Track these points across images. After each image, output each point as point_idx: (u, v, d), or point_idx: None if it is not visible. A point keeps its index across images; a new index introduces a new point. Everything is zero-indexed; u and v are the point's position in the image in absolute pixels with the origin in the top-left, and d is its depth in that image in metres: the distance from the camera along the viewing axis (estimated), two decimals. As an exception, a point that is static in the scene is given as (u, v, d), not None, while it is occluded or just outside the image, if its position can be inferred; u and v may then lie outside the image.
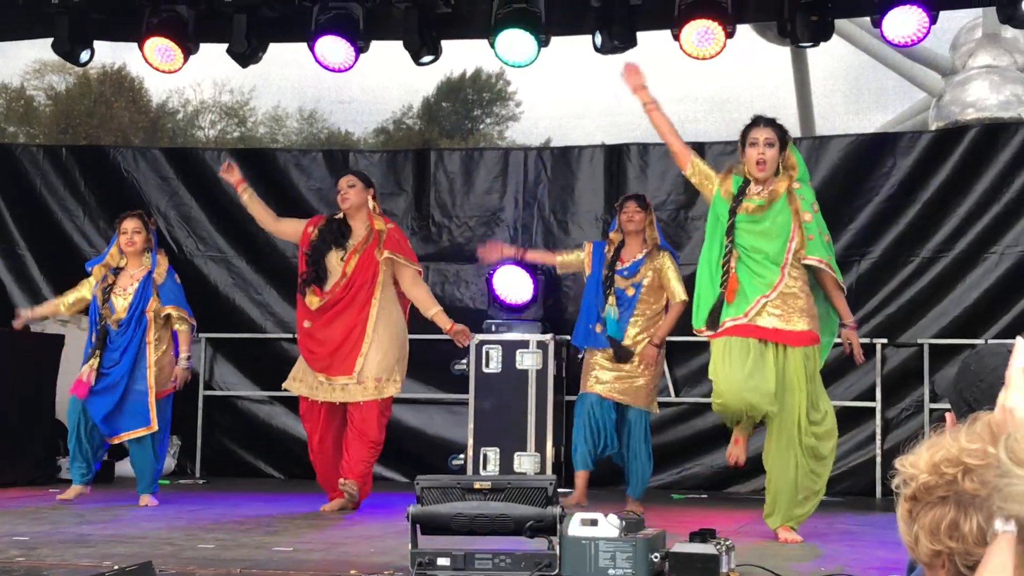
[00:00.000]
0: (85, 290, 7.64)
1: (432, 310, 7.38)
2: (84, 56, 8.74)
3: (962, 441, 1.63)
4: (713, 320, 6.09)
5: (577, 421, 7.57)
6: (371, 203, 7.36)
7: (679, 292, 7.42)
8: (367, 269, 7.24)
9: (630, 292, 7.50)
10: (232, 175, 7.56)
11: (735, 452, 6.25)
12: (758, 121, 6.23)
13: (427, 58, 8.39)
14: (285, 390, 7.58)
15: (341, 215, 7.38)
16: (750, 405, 5.89)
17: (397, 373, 7.29)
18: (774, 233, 6.11)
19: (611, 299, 7.48)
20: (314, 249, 7.32)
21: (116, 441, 7.50)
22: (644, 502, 7.42)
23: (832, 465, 6.30)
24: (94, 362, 7.38)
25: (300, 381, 7.35)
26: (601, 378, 7.47)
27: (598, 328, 7.51)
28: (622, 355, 7.40)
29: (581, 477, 7.51)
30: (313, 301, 7.26)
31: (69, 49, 8.54)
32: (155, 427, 7.38)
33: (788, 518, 6.07)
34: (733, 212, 6.13)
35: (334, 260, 7.27)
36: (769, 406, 5.91)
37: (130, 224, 7.53)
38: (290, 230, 7.59)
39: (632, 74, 6.33)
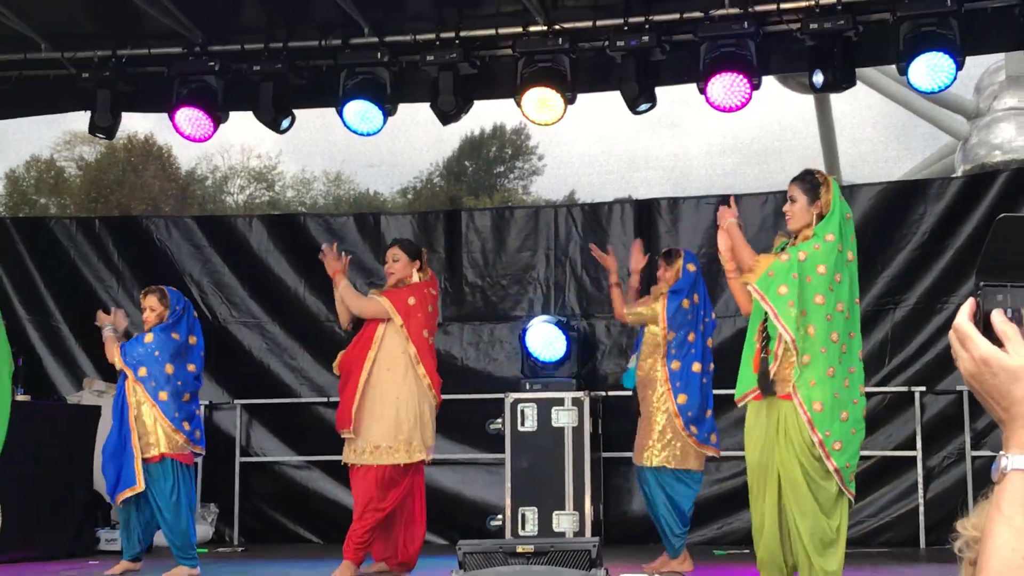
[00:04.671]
0: None
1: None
2: (117, 129, 8.85)
3: None
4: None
5: None
6: (416, 275, 7.12)
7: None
8: (370, 330, 7.02)
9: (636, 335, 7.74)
10: (331, 262, 7.10)
11: None
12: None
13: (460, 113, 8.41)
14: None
15: None
16: None
17: (408, 442, 6.93)
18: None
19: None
20: None
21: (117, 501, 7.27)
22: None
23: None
24: None
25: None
26: None
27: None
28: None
29: None
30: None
31: (109, 124, 8.63)
32: (140, 487, 7.07)
33: None
34: None
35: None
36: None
37: (145, 301, 7.43)
38: (375, 309, 7.08)
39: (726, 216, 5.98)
